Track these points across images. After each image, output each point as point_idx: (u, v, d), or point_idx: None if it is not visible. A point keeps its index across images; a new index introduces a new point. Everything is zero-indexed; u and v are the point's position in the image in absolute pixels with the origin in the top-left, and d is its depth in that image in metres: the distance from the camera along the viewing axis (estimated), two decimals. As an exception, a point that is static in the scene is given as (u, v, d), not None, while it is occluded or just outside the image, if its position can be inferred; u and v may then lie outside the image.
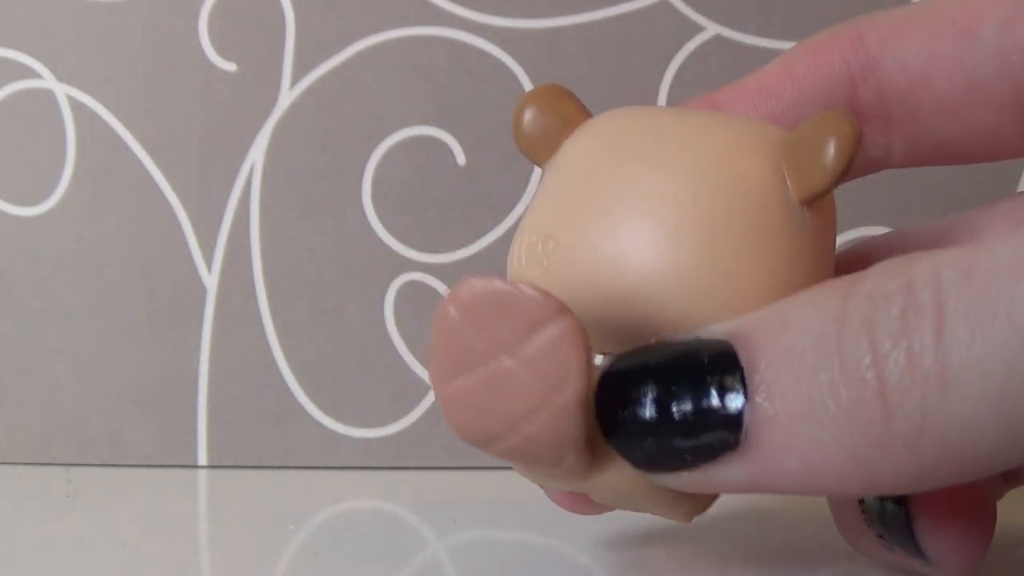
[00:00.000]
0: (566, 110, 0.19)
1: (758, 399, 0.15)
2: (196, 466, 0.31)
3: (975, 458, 0.14)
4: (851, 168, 0.17)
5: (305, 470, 0.31)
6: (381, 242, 0.31)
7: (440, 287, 0.31)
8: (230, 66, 0.31)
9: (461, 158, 0.31)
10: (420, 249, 0.31)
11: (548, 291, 0.15)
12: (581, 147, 0.19)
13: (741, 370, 0.15)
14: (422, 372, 0.31)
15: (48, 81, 0.31)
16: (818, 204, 0.17)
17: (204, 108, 0.31)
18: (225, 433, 0.31)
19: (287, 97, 0.31)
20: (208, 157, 0.31)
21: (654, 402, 0.16)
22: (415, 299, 0.31)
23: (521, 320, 0.15)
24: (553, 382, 0.15)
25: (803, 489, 0.15)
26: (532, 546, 0.24)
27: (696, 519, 0.19)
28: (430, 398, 0.31)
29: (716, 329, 0.16)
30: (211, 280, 0.31)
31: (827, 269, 0.18)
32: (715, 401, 0.15)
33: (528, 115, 0.19)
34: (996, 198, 0.20)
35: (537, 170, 0.31)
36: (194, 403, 0.31)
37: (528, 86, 0.31)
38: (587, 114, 0.19)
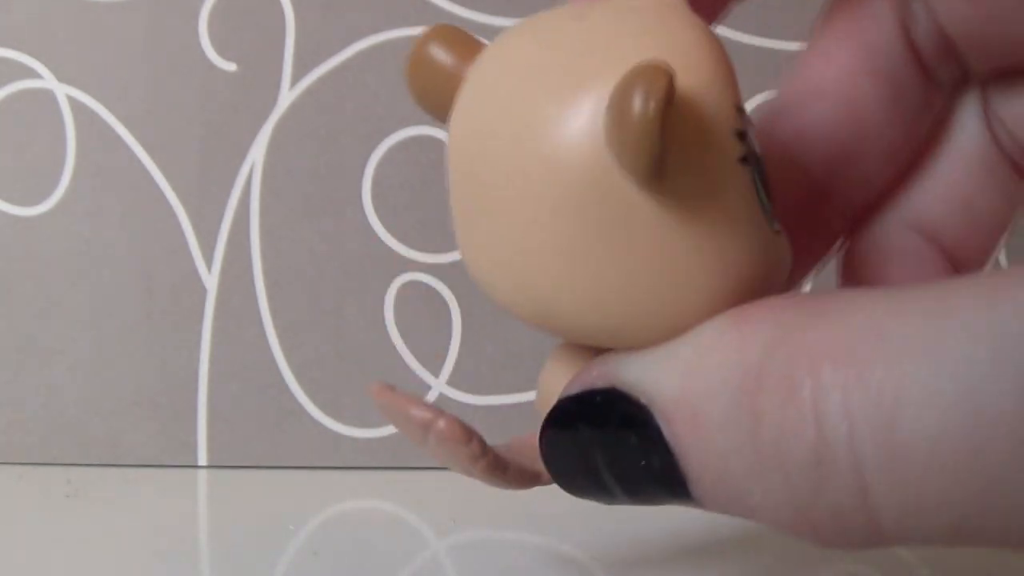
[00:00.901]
0: (464, 48, 0.16)
1: (696, 487, 0.14)
2: (196, 466, 0.31)
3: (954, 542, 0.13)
4: (671, 137, 0.13)
5: (305, 470, 0.31)
6: (381, 242, 0.31)
7: (440, 287, 0.31)
8: (230, 66, 0.31)
9: (461, 158, 0.31)
10: (420, 249, 0.31)
11: (424, 402, 0.17)
12: (463, 106, 0.16)
13: (671, 451, 0.14)
14: (422, 372, 0.31)
15: (48, 81, 0.31)
16: (674, 177, 0.14)
17: (204, 108, 0.31)
18: (225, 433, 0.31)
19: (287, 97, 0.31)
20: (208, 157, 0.31)
21: (591, 473, 0.15)
22: (415, 299, 0.31)
23: (417, 424, 0.17)
24: (464, 463, 0.17)
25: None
26: (532, 546, 0.24)
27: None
28: (430, 398, 0.31)
29: (635, 383, 0.15)
30: (211, 280, 0.31)
31: (726, 242, 0.14)
32: (655, 474, 0.14)
33: (421, 55, 0.16)
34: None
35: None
36: (194, 403, 0.31)
37: (528, 86, 0.31)
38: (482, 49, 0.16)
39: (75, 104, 0.31)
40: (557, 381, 0.17)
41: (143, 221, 0.31)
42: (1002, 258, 0.32)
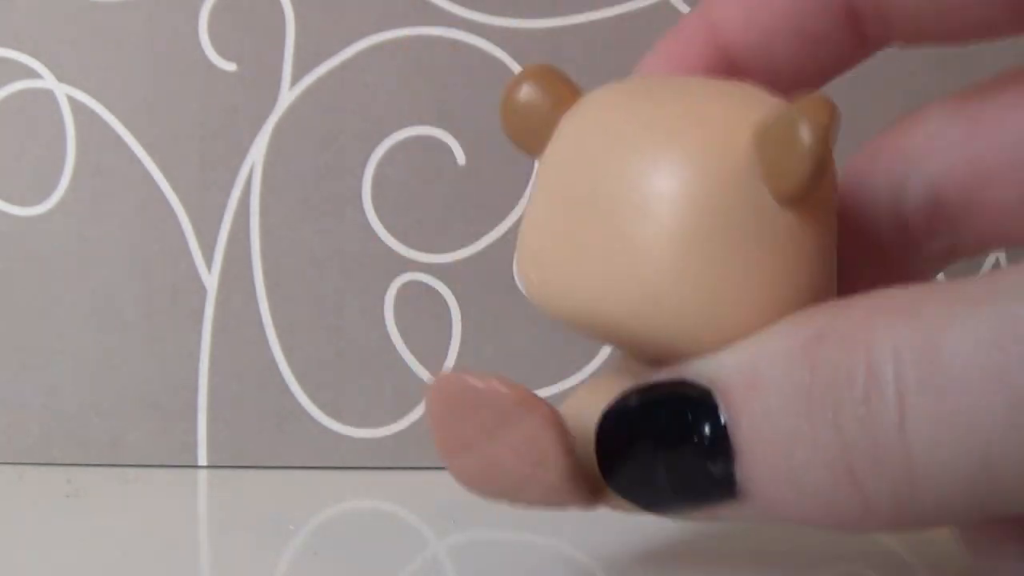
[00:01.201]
0: (557, 91, 0.18)
1: (744, 463, 0.15)
2: (196, 466, 0.31)
3: (958, 519, 0.15)
4: (828, 162, 0.15)
5: (305, 470, 0.31)
6: (381, 242, 0.31)
7: (440, 287, 0.31)
8: (230, 66, 0.31)
9: (461, 158, 0.31)
10: (420, 249, 0.31)
11: (515, 385, 0.16)
12: (565, 144, 0.17)
13: (725, 426, 0.15)
14: (422, 372, 0.31)
15: (48, 81, 0.31)
16: (807, 200, 0.16)
17: (204, 108, 0.31)
18: (225, 433, 0.31)
19: (287, 97, 0.31)
20: (208, 157, 0.31)
21: (646, 464, 0.16)
22: (415, 299, 0.31)
23: (496, 414, 0.16)
24: (537, 466, 0.17)
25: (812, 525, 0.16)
26: (532, 546, 0.24)
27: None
28: (430, 398, 0.31)
29: (700, 371, 0.16)
30: (211, 280, 0.31)
31: (825, 266, 0.17)
32: (705, 462, 0.15)
33: (518, 97, 0.18)
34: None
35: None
36: (194, 403, 0.31)
37: (528, 86, 0.31)
38: (577, 93, 0.18)
39: (75, 104, 0.31)
40: (597, 400, 0.17)
41: (143, 221, 0.31)
42: (1002, 257, 0.32)
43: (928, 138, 0.19)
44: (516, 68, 0.31)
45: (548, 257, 0.17)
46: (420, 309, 0.31)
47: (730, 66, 0.20)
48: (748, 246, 0.16)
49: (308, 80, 0.31)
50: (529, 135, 0.18)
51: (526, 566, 0.22)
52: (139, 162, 0.31)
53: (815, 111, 0.15)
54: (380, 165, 0.31)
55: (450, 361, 0.31)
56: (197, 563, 0.23)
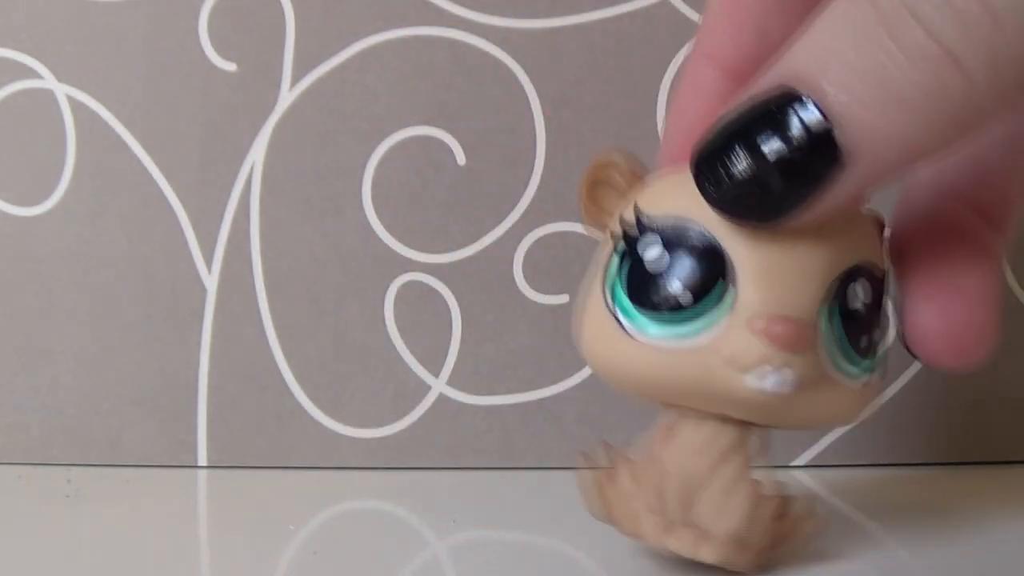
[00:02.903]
0: (620, 183, 0.20)
1: (840, 117, 0.16)
2: (196, 466, 0.31)
3: None
4: None
5: (305, 470, 0.31)
6: (381, 242, 0.31)
7: (440, 287, 0.31)
8: (230, 66, 0.31)
9: (461, 158, 0.31)
10: (420, 249, 0.31)
11: None
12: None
13: (811, 101, 0.17)
14: (422, 372, 0.31)
15: (48, 81, 0.31)
16: None
17: (204, 108, 0.31)
18: (225, 433, 0.31)
19: (287, 97, 0.31)
20: (208, 157, 0.31)
21: (746, 164, 0.17)
22: (415, 299, 0.31)
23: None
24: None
25: (908, 169, 0.17)
26: (532, 546, 0.24)
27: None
28: (430, 398, 0.31)
29: (764, 86, 0.17)
30: (211, 280, 0.31)
31: None
32: (804, 138, 0.17)
33: (600, 183, 0.21)
34: None
35: (537, 170, 0.31)
36: (194, 403, 0.31)
37: (528, 86, 0.31)
38: (642, 171, 0.20)
39: (75, 104, 0.31)
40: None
41: (143, 221, 0.31)
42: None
43: None
44: (516, 68, 0.31)
45: None
46: (420, 309, 0.31)
47: (740, 79, 0.20)
48: None
49: (308, 80, 0.31)
50: (600, 211, 0.21)
51: (526, 566, 0.22)
52: (139, 162, 0.31)
53: None
54: (380, 165, 0.31)
55: (450, 361, 0.31)
56: (197, 563, 0.23)
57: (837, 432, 0.32)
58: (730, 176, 0.18)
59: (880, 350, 0.20)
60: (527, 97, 0.31)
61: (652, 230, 0.19)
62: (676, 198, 0.19)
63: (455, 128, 0.31)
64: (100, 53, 0.31)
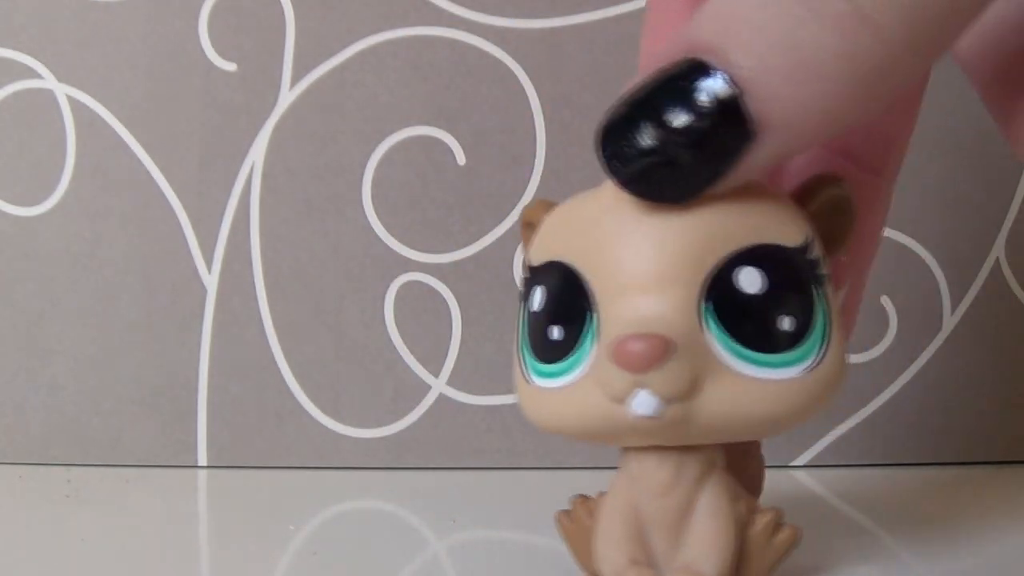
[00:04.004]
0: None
1: (750, 85, 0.16)
2: (196, 466, 0.31)
3: (968, 10, 0.15)
4: None
5: (305, 470, 0.31)
6: (381, 242, 0.31)
7: (440, 287, 0.31)
8: (230, 66, 0.31)
9: (461, 158, 0.31)
10: (420, 249, 0.31)
11: None
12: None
13: (719, 70, 0.16)
14: (422, 372, 0.31)
15: (48, 81, 0.31)
16: None
17: (204, 108, 0.31)
18: (225, 433, 0.31)
19: (287, 97, 0.31)
20: (208, 157, 0.31)
21: (653, 138, 0.16)
22: (415, 299, 0.31)
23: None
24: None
25: (822, 139, 0.16)
26: (532, 546, 0.24)
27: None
28: (430, 398, 0.31)
29: (670, 54, 0.16)
30: (211, 280, 0.31)
31: None
32: (713, 110, 0.16)
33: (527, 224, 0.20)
34: None
35: (537, 170, 0.31)
36: (194, 403, 0.31)
37: (528, 86, 0.31)
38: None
39: (75, 104, 0.31)
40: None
41: (143, 221, 0.31)
42: (1001, 255, 0.32)
43: None
44: (516, 68, 0.31)
45: None
46: (420, 309, 0.31)
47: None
48: None
49: (308, 80, 0.31)
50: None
51: (526, 566, 0.22)
52: (139, 162, 0.31)
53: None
54: (380, 165, 0.31)
55: (450, 361, 0.31)
56: (197, 563, 0.23)
57: (837, 432, 0.32)
58: (637, 152, 0.17)
59: (815, 333, 0.18)
60: (527, 97, 0.31)
61: (535, 278, 0.19)
62: (551, 242, 0.19)
63: (455, 128, 0.31)
64: (100, 53, 0.31)
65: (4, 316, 0.31)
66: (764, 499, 0.28)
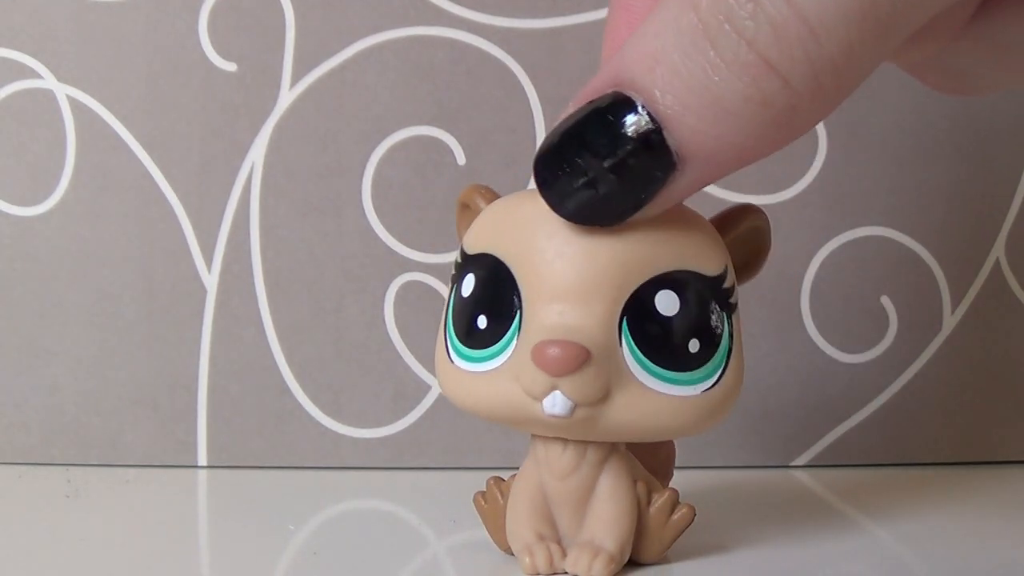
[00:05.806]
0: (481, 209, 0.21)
1: (669, 121, 0.17)
2: (196, 466, 0.31)
3: (870, 59, 0.16)
4: None
5: (305, 470, 0.31)
6: (381, 242, 0.31)
7: (440, 287, 0.31)
8: (230, 66, 0.31)
9: (461, 158, 0.31)
10: (420, 249, 0.31)
11: None
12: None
13: (641, 104, 0.17)
14: (422, 372, 0.31)
15: (48, 81, 0.31)
16: None
17: (204, 108, 0.31)
18: (225, 433, 0.31)
19: (287, 97, 0.31)
20: (208, 157, 0.31)
21: (582, 167, 0.18)
22: (415, 299, 0.31)
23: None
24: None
25: (739, 168, 0.18)
26: (532, 546, 0.24)
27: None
28: (430, 398, 0.31)
29: (598, 87, 0.18)
30: (211, 280, 0.31)
31: None
32: (636, 142, 0.17)
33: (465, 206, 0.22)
34: None
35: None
36: (194, 403, 0.31)
37: (528, 86, 0.31)
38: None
39: (75, 104, 0.31)
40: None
41: (143, 221, 0.31)
42: (1001, 255, 0.32)
43: None
44: (516, 68, 0.31)
45: None
46: (420, 309, 0.31)
47: None
48: None
49: (308, 80, 0.31)
50: (464, 224, 0.22)
51: (526, 566, 0.22)
52: (139, 162, 0.31)
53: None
54: (380, 165, 0.31)
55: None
56: (197, 563, 0.23)
57: (837, 432, 0.32)
58: (568, 179, 0.18)
59: (717, 357, 0.20)
60: (527, 97, 0.31)
61: (468, 265, 0.20)
62: (490, 234, 0.20)
63: (455, 128, 0.31)
64: (100, 53, 0.31)
65: (4, 316, 0.31)
66: (763, 499, 0.28)
